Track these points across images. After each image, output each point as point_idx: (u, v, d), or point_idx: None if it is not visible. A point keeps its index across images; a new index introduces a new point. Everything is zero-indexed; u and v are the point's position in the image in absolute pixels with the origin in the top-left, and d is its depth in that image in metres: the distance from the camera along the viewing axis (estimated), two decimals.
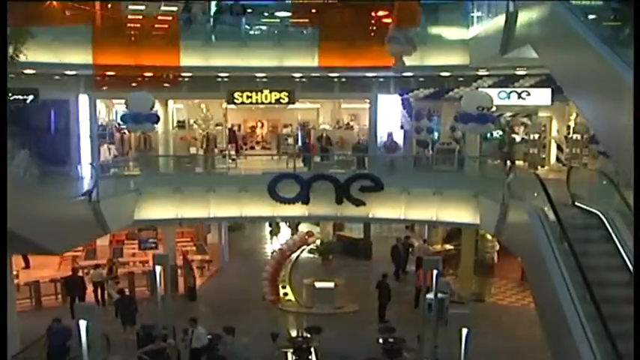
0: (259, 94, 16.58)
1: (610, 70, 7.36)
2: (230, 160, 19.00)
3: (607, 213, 10.28)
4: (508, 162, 16.41)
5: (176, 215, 14.51)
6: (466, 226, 14.89)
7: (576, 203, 11.44)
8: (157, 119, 14.32)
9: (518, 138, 21.25)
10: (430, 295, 12.51)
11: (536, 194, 11.07)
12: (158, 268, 12.30)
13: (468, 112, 13.82)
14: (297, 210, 14.44)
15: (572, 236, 9.33)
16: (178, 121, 20.23)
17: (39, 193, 10.62)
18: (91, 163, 12.95)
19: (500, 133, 21.24)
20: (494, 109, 14.73)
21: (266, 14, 20.56)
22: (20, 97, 15.62)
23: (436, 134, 19.08)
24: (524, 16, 11.12)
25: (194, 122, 19.61)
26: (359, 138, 18.06)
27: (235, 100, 16.86)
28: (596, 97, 8.20)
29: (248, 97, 16.64)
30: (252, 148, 25.75)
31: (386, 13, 20.93)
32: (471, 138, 16.84)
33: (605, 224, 10.18)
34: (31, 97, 15.69)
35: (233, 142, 20.46)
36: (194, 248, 19.83)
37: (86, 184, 14.27)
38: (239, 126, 25.47)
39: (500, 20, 12.14)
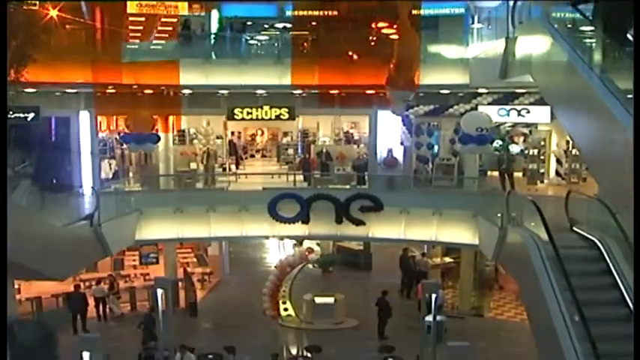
0: (259, 110, 16.68)
1: (604, 108, 7.44)
2: (229, 171, 19.17)
3: (604, 240, 10.35)
4: (507, 179, 16.52)
5: (177, 234, 14.60)
6: (465, 247, 14.99)
7: (574, 228, 11.54)
8: (157, 139, 14.39)
9: (517, 148, 21.33)
10: (429, 318, 12.65)
11: (533, 222, 11.12)
12: (160, 291, 12.40)
13: (467, 133, 13.91)
14: (297, 229, 14.54)
15: (568, 266, 9.40)
16: (179, 131, 20.28)
17: (40, 222, 10.69)
18: (92, 187, 12.98)
19: (500, 143, 21.32)
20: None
21: (266, 26, 20.64)
22: (21, 115, 15.73)
23: (436, 147, 19.18)
24: (523, 44, 11.16)
25: (194, 135, 19.66)
26: (359, 154, 18.12)
27: (235, 116, 16.98)
28: (589, 131, 8.31)
29: (248, 113, 16.75)
30: (252, 156, 25.88)
31: (386, 24, 21.04)
32: None
33: (603, 253, 10.27)
34: (32, 115, 15.81)
35: (233, 155, 20.55)
36: (195, 260, 19.93)
37: (87, 201, 14.40)
38: (239, 134, 25.56)
39: (499, 45, 12.15)
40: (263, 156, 25.74)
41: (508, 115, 16.35)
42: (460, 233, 13.93)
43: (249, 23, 18.63)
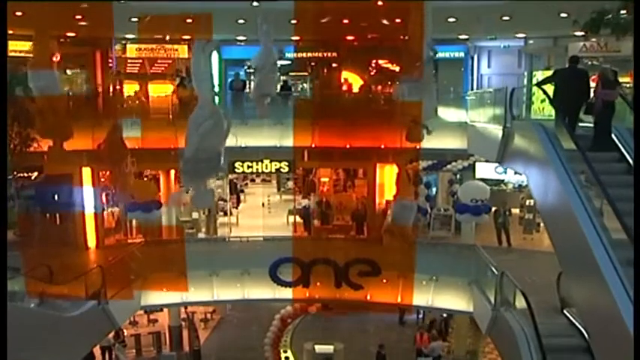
0: (260, 163, 16.93)
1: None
2: (229, 213, 19.50)
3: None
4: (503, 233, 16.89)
5: (181, 299, 15.01)
6: (460, 313, 15.42)
7: (565, 311, 11.92)
8: (160, 206, 14.68)
9: (515, 180, 21.57)
10: None
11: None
12: None
13: (463, 203, 14.21)
14: (297, 292, 14.95)
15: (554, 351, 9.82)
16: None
17: (46, 318, 11.04)
18: (99, 266, 13.28)
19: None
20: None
21: None
22: (25, 174, 16.00)
23: (434, 189, 19.48)
24: (520, 142, 11.32)
25: None
26: (358, 204, 18.39)
27: (236, 170, 17.21)
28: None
29: (249, 166, 16.99)
30: (253, 180, 26.13)
31: (386, 60, 21.07)
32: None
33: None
34: (35, 174, 16.09)
35: (233, 193, 20.82)
36: None
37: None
38: None
39: (498, 130, 12.29)
40: (263, 180, 25.96)
41: (505, 172, 16.59)
42: (455, 301, 14.34)
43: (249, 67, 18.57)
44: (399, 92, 10.34)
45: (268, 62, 10.59)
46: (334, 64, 20.56)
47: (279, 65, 20.86)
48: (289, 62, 20.50)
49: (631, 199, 8.15)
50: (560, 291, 12.20)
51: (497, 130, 12.37)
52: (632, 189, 8.54)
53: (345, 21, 16.94)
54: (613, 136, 9.74)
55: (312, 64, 20.57)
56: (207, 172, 9.86)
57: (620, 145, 9.72)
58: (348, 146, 15.85)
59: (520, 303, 11.46)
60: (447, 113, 15.74)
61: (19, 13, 15.34)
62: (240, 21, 17.43)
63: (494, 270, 12.74)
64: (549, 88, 10.51)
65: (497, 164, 16.96)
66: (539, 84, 11.35)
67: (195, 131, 9.11)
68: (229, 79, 17.10)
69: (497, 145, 12.26)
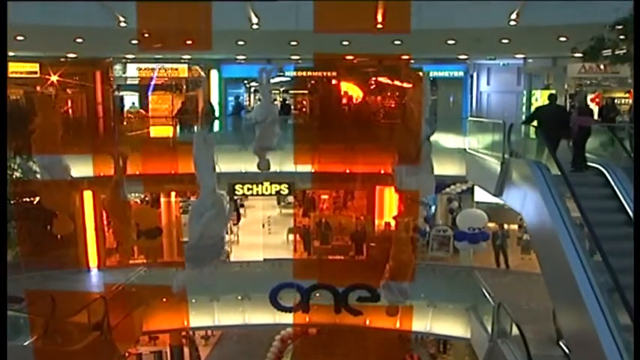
0: (260, 186, 17.04)
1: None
2: (230, 231, 19.59)
3: None
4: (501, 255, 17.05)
5: (182, 324, 15.20)
6: (458, 339, 15.61)
7: (560, 343, 12.09)
8: (160, 232, 14.84)
9: None
10: None
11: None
12: None
13: (462, 231, 14.34)
14: (297, 317, 15.12)
15: None
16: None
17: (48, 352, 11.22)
18: (102, 296, 13.44)
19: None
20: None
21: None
22: (27, 199, 16.08)
23: (433, 208, 19.60)
24: (517, 178, 11.43)
25: None
26: (357, 225, 18.54)
27: (236, 192, 17.32)
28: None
29: (249, 189, 17.11)
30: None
31: (385, 77, 21.13)
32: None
33: None
34: (37, 199, 16.15)
35: (234, 211, 20.92)
36: None
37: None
38: None
39: (496, 163, 12.39)
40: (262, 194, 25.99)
41: None
42: (453, 327, 14.55)
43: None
44: (396, 172, 10.47)
45: (269, 116, 10.72)
46: (334, 82, 20.61)
47: (277, 81, 21.25)
48: (289, 79, 20.58)
49: (604, 210, 9.46)
50: (556, 322, 12.41)
51: (495, 164, 12.47)
52: (606, 201, 9.79)
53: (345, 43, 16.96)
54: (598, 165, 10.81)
55: (313, 82, 20.64)
56: (210, 258, 10.07)
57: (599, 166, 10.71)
58: (347, 171, 15.95)
59: (516, 331, 11.68)
60: (446, 139, 15.82)
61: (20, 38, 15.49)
62: (240, 42, 17.46)
63: (491, 301, 12.93)
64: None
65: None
66: (525, 122, 12.83)
67: (199, 220, 9.27)
68: (229, 98, 17.16)
69: (496, 178, 12.36)
